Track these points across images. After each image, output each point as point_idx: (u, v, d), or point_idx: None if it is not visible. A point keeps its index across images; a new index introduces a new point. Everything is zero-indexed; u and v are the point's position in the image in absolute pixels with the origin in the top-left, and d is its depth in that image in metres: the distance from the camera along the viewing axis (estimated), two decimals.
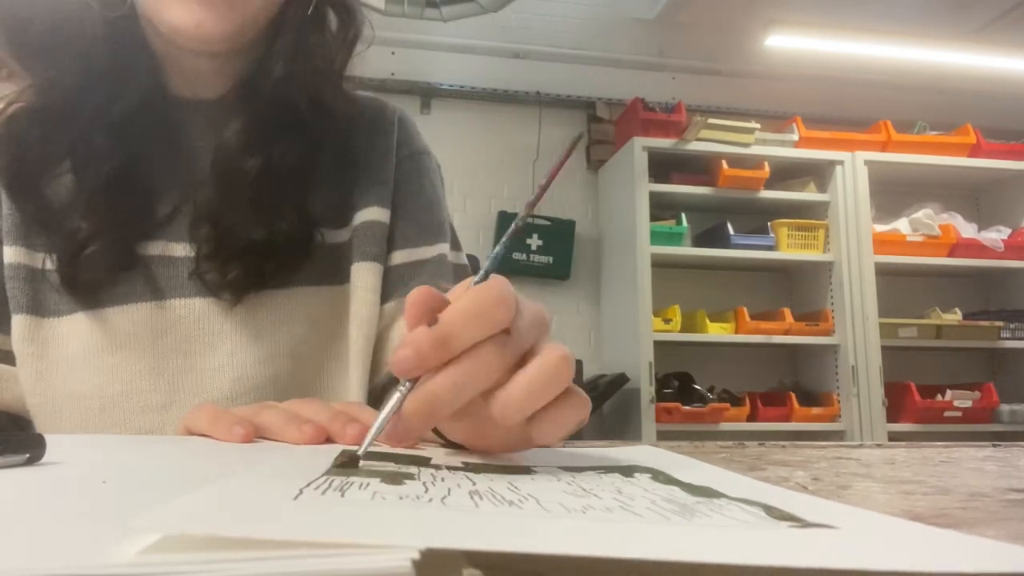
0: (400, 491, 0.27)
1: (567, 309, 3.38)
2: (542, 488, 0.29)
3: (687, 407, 2.92)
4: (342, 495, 0.25)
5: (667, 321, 3.00)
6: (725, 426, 2.97)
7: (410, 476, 0.31)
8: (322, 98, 0.68)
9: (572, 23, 3.52)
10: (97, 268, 0.61)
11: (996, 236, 3.28)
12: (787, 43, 3.24)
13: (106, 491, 0.27)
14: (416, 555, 0.17)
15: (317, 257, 0.67)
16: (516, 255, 3.33)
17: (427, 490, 0.28)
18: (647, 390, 2.87)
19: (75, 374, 0.61)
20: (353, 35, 0.69)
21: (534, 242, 3.34)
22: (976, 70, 3.37)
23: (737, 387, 3.14)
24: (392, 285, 0.71)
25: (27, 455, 0.32)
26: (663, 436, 2.85)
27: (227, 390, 0.63)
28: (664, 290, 3.05)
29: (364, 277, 0.69)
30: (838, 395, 3.08)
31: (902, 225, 3.26)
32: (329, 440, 0.43)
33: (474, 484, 0.29)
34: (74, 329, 0.62)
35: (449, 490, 0.28)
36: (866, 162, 3.19)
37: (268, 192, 0.64)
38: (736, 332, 3.05)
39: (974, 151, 3.33)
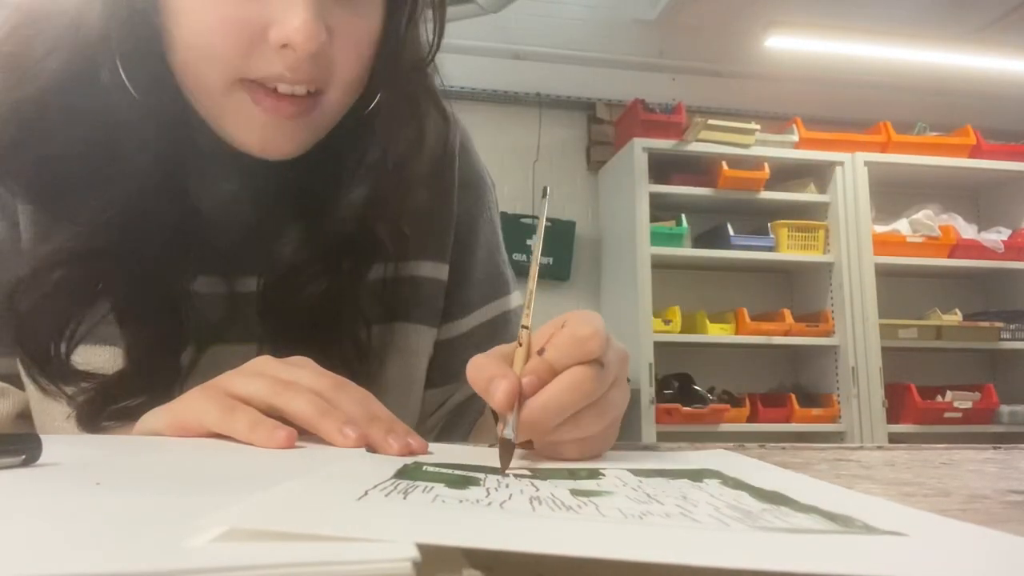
0: (461, 495, 0.27)
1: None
2: (605, 493, 0.29)
3: (687, 408, 2.92)
4: (404, 498, 0.25)
5: (667, 322, 3.00)
6: (725, 427, 2.96)
7: (475, 482, 0.31)
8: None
9: (572, 24, 3.52)
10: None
11: (996, 237, 3.27)
12: (787, 44, 3.24)
13: (100, 492, 0.26)
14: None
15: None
16: (516, 256, 3.33)
17: (489, 495, 0.27)
18: (647, 391, 2.86)
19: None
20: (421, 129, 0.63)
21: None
22: (976, 71, 3.37)
23: (737, 388, 3.14)
24: (452, 361, 0.65)
25: (23, 456, 0.32)
26: (663, 437, 2.85)
27: None
28: (664, 291, 3.04)
29: (415, 341, 0.64)
30: (838, 396, 3.08)
31: (902, 226, 3.26)
32: (370, 448, 0.41)
33: (537, 490, 0.29)
34: (86, 360, 0.56)
35: (511, 495, 0.28)
36: (866, 163, 3.19)
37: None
38: (736, 333, 3.05)
39: (974, 152, 3.33)
